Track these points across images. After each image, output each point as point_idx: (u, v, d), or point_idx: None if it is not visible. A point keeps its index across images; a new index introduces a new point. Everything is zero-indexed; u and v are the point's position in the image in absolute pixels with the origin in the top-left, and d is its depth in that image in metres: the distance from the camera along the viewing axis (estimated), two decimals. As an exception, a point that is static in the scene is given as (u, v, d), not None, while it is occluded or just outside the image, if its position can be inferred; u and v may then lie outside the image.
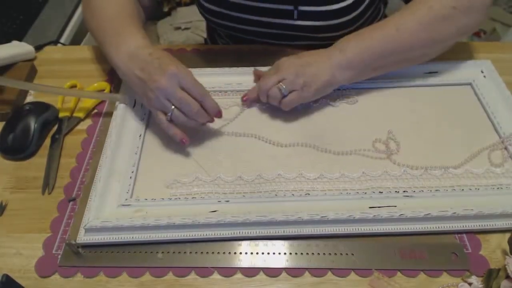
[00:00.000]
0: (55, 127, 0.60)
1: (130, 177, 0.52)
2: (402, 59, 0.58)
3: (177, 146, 0.56)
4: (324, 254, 0.47)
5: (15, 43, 0.70)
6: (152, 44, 0.55)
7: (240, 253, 0.47)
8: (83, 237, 0.47)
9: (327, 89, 0.57)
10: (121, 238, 0.47)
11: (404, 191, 0.50)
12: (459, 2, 0.54)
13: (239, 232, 0.47)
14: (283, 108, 0.57)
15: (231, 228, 0.47)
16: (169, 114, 0.51)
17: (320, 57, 0.56)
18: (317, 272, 0.46)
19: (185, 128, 0.53)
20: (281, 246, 0.47)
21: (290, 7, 0.63)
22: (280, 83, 0.55)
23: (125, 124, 0.58)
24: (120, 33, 0.56)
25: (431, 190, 0.50)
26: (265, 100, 0.58)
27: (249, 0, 0.64)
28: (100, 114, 0.63)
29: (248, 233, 0.47)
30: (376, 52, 0.55)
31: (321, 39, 0.67)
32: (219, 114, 0.54)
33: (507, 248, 0.45)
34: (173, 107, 0.50)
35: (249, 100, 0.60)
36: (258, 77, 0.62)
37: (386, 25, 0.55)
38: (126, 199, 0.50)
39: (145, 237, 0.47)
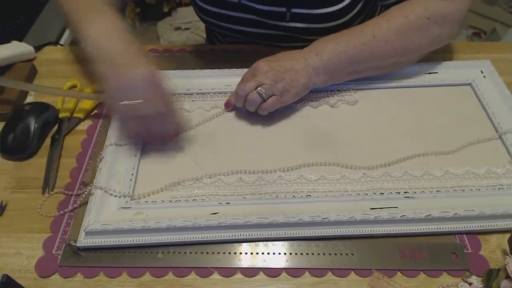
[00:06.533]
0: (55, 127, 0.60)
1: (130, 180, 0.52)
2: (375, 66, 0.59)
3: (177, 148, 0.56)
4: (324, 254, 0.47)
5: (15, 43, 0.70)
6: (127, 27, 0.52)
7: (240, 253, 0.47)
8: (83, 240, 0.47)
9: (304, 92, 0.58)
10: (121, 241, 0.47)
11: (405, 192, 0.50)
12: (433, 14, 0.56)
13: (240, 234, 0.47)
14: (261, 113, 0.57)
15: (232, 230, 0.47)
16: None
17: (297, 61, 0.56)
18: (317, 272, 0.46)
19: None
20: (281, 246, 0.47)
21: (283, 9, 0.64)
22: (259, 88, 0.54)
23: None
24: (93, 11, 0.52)
25: (432, 191, 0.50)
26: (241, 105, 0.57)
27: (243, 0, 0.64)
28: (100, 114, 0.63)
29: (249, 235, 0.47)
30: (352, 57, 0.56)
31: None
32: None
33: (507, 248, 0.45)
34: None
35: (231, 106, 0.60)
36: None
37: (363, 31, 0.56)
38: (127, 202, 0.50)
39: (146, 240, 0.47)
